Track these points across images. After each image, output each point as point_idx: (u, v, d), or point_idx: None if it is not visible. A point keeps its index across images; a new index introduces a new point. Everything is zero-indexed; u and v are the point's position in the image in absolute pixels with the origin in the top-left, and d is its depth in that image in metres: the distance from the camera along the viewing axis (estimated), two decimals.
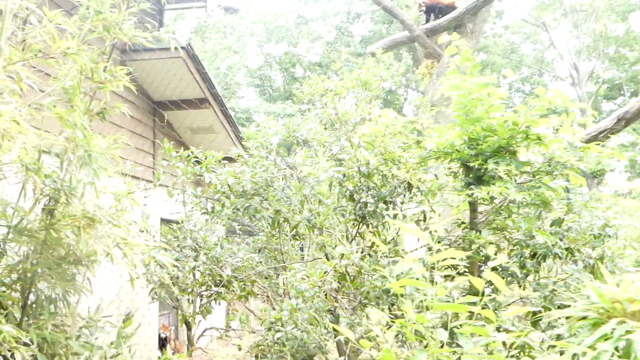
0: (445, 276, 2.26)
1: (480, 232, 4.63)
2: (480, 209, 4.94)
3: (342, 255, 4.28)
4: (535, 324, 4.56)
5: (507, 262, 4.63)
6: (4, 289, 3.21)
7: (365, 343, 2.13)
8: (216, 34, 24.26)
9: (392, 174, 4.68)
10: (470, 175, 4.79)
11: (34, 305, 3.35)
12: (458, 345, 2.13)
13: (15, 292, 3.24)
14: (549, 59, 29.12)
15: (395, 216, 4.95)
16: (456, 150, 4.76)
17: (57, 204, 3.12)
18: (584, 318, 2.33)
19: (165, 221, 8.27)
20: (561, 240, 4.55)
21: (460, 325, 2.14)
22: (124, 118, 7.86)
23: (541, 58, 28.68)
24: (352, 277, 4.61)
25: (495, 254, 4.82)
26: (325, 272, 4.23)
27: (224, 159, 7.22)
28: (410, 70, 23.75)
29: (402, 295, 2.23)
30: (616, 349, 2.15)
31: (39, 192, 2.98)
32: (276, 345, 5.43)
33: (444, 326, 2.19)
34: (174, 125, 9.78)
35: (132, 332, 3.44)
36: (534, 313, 4.39)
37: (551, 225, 4.77)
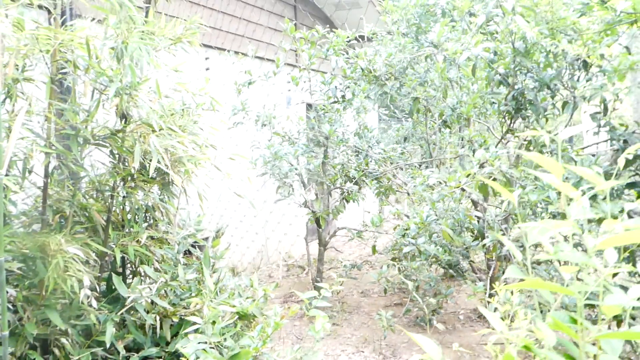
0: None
1: None
2: None
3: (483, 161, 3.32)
4: None
5: None
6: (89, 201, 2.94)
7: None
8: None
9: (562, 50, 3.42)
10: None
11: (128, 217, 3.08)
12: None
13: (101, 205, 2.96)
14: None
15: (563, 105, 3.72)
16: None
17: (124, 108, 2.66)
18: None
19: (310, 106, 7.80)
20: None
21: None
22: None
23: None
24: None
25: None
26: (460, 182, 3.33)
27: (358, 38, 6.29)
28: None
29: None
30: None
31: (88, 91, 2.51)
32: (410, 254, 4.82)
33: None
34: (318, 1, 8.99)
35: (223, 250, 3.03)
36: None
37: None
